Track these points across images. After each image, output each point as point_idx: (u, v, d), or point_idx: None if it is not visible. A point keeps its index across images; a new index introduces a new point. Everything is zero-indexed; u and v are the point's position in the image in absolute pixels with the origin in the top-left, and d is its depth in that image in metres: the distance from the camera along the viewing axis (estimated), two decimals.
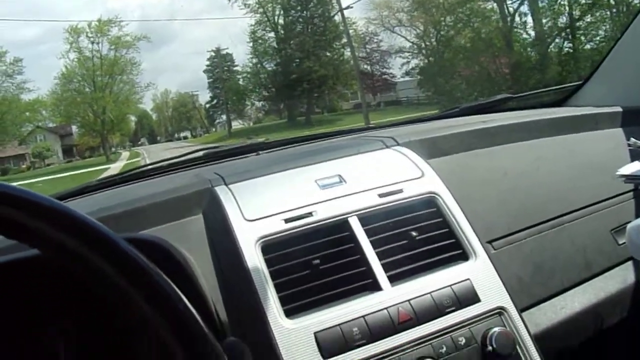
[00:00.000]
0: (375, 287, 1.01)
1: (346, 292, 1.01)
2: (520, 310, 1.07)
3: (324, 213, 1.09)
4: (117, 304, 0.62)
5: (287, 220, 1.06)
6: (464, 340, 0.99)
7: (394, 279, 1.03)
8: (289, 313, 0.96)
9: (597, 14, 22.74)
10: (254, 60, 39.80)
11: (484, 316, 1.03)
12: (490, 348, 0.98)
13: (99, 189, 1.50)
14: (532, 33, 25.58)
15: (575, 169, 1.44)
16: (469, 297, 1.03)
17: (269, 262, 1.01)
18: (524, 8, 25.77)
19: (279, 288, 0.98)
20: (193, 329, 0.62)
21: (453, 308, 1.01)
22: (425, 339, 0.97)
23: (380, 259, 1.04)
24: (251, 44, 39.14)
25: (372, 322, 0.96)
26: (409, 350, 0.96)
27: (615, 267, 1.28)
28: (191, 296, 0.65)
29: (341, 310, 0.97)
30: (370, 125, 2.08)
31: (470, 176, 1.33)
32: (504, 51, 25.54)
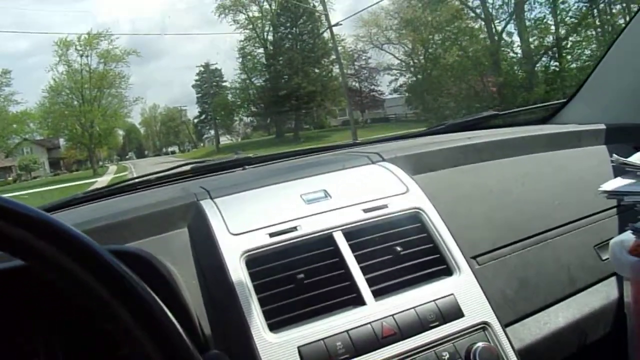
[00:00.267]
0: (360, 301, 1.01)
1: (330, 307, 1.00)
2: (505, 326, 1.07)
3: (308, 228, 1.09)
4: (99, 316, 0.62)
5: (271, 235, 1.06)
6: (447, 355, 0.99)
7: (378, 294, 1.03)
8: (273, 327, 0.96)
9: (583, 33, 23.06)
10: (243, 76, 40.07)
11: (467, 331, 1.03)
12: None
13: (86, 202, 1.49)
14: (519, 51, 25.89)
15: (559, 185, 1.45)
16: (453, 312, 1.03)
17: (253, 276, 1.00)
18: (511, 27, 26.10)
19: (263, 302, 0.98)
20: (175, 342, 0.62)
21: (437, 323, 1.01)
22: (409, 354, 0.97)
23: (364, 274, 1.04)
24: (240, 60, 39.36)
25: (355, 337, 0.96)
26: None
27: (598, 283, 1.29)
28: (175, 309, 0.65)
29: (325, 325, 0.97)
30: (357, 142, 2.09)
31: (455, 192, 1.33)
32: (491, 69, 25.80)
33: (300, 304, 1.00)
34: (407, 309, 1.01)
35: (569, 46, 23.42)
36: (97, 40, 36.72)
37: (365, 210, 1.15)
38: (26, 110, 36.39)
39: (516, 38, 26.22)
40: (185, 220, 1.15)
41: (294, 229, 1.08)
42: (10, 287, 0.90)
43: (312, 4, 36.26)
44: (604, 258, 1.31)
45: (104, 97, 37.69)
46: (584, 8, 23.11)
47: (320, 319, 0.98)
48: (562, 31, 23.54)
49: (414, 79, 32.85)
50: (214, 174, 1.63)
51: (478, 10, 27.31)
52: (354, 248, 1.08)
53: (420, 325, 1.00)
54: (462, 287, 1.08)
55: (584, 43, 23.10)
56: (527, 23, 24.96)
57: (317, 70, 37.47)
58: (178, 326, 0.63)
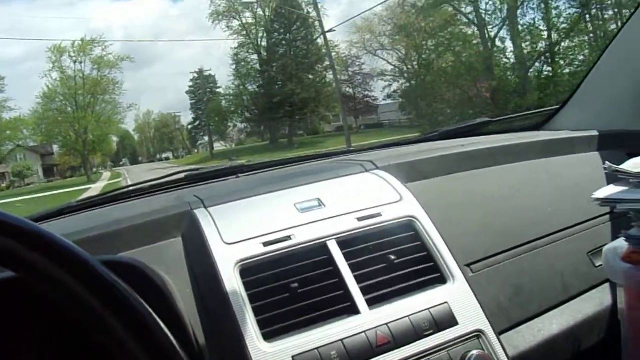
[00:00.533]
0: (354, 310, 1.01)
1: (324, 316, 1.00)
2: (499, 333, 1.07)
3: (302, 237, 1.09)
4: (93, 329, 0.61)
5: (265, 244, 1.06)
6: None
7: (372, 303, 1.03)
8: (267, 336, 0.96)
9: (576, 39, 23.18)
10: (237, 82, 40.09)
11: (462, 339, 1.02)
12: None
13: (79, 210, 1.48)
14: (512, 57, 26.00)
15: (552, 192, 1.46)
16: (447, 320, 1.03)
17: (247, 286, 1.00)
18: (504, 33, 26.21)
19: (257, 311, 0.98)
20: (168, 353, 0.62)
21: (431, 331, 1.01)
22: None
23: (358, 283, 1.04)
24: (234, 66, 39.37)
25: (350, 346, 0.96)
26: None
27: (592, 290, 1.29)
28: (168, 319, 0.65)
29: (319, 334, 0.96)
30: (351, 149, 2.09)
31: (448, 200, 1.33)
32: (485, 75, 25.88)
33: (295, 313, 0.99)
34: (402, 318, 1.01)
35: (561, 52, 23.54)
36: (91, 47, 36.74)
37: (359, 219, 1.15)
38: (20, 117, 36.37)
39: (509, 44, 26.39)
40: (179, 230, 1.15)
41: (288, 238, 1.08)
42: (1, 299, 0.90)
43: (305, 10, 36.37)
44: (597, 265, 1.31)
45: (98, 104, 37.67)
46: (576, 14, 23.26)
47: (314, 328, 0.98)
48: (555, 37, 23.67)
49: (408, 84, 32.92)
50: (208, 182, 1.63)
51: (471, 16, 27.48)
52: (348, 257, 1.07)
53: (415, 333, 1.00)
54: (456, 295, 1.08)
55: (576, 49, 23.24)
56: (520, 28, 25.10)
57: (311, 77, 37.54)
58: (171, 337, 0.63)
